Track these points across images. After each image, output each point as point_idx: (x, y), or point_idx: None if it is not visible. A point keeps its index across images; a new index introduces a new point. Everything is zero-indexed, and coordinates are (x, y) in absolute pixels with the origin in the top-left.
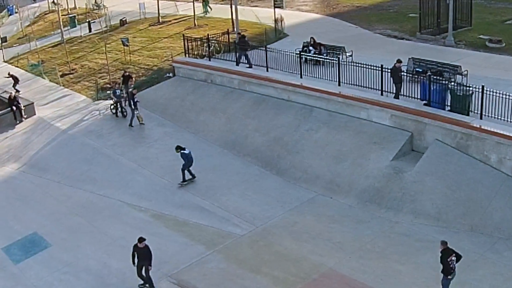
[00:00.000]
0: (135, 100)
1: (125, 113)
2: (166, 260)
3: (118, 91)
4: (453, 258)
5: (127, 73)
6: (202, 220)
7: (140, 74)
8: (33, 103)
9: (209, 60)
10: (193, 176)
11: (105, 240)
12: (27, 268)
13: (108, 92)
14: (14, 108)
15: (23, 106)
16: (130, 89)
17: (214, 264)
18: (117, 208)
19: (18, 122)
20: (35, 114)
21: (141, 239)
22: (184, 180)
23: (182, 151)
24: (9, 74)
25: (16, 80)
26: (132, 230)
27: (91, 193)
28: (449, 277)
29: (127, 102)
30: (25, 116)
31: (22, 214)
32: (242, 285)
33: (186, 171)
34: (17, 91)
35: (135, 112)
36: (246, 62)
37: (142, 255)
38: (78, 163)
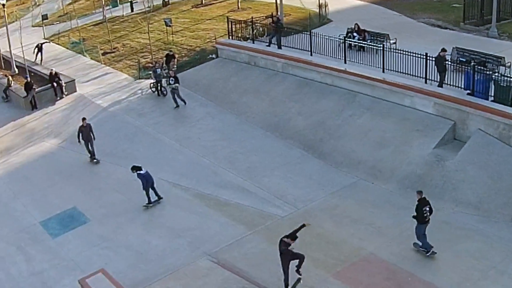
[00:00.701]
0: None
1: (164, 92)
2: (206, 239)
3: (158, 70)
4: (427, 208)
5: (171, 53)
6: (243, 201)
7: (183, 54)
8: (74, 80)
9: (253, 42)
10: (159, 197)
11: (145, 217)
12: (65, 242)
13: (150, 72)
14: (55, 84)
15: (64, 83)
16: (172, 70)
17: (255, 244)
18: (158, 186)
19: (58, 98)
20: (75, 91)
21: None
22: (149, 202)
23: (138, 172)
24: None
25: (40, 50)
26: (173, 209)
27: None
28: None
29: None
30: (65, 93)
31: (61, 189)
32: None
33: (151, 191)
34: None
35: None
36: (275, 43)
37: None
38: (119, 141)
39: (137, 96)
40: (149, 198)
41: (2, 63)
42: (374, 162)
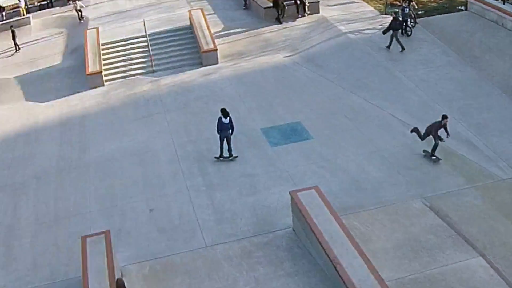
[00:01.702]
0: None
1: (409, 33)
2: (424, 182)
3: (406, 9)
4: None
5: None
6: (468, 154)
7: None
8: (318, 1)
9: (504, 3)
10: (231, 155)
11: (369, 147)
12: (283, 153)
13: (396, 9)
14: (298, 2)
15: (308, 2)
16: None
17: (470, 198)
18: (388, 120)
19: (300, 16)
20: (318, 13)
21: None
22: (220, 155)
23: (220, 116)
24: None
25: None
26: (398, 145)
27: (363, 100)
28: None
29: (412, 22)
30: (308, 12)
31: (289, 102)
32: (492, 226)
33: (225, 146)
34: None
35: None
36: None
37: None
38: (355, 69)
39: (380, 30)
40: (221, 150)
41: None
42: None
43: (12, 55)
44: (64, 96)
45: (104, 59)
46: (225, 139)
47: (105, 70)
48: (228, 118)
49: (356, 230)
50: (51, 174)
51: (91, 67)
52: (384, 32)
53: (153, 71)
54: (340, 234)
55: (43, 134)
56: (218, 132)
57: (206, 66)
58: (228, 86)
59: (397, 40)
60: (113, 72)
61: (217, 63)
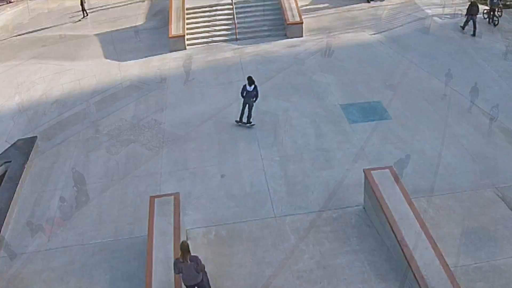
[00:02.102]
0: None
1: (495, 22)
2: (498, 172)
3: None
4: None
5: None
6: None
7: None
8: None
9: None
10: (248, 122)
11: (446, 133)
12: (360, 131)
13: None
14: None
15: None
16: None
17: None
18: (467, 108)
19: None
20: None
21: None
22: (240, 119)
23: (245, 83)
24: None
25: None
26: (476, 133)
27: (445, 85)
28: None
29: (499, 11)
30: None
31: (370, 80)
32: None
33: (246, 111)
34: None
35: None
36: None
37: None
38: (438, 53)
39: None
40: (240, 115)
41: None
42: None
43: (79, 20)
44: (144, 57)
45: (187, 23)
46: (247, 106)
47: (188, 34)
48: (252, 86)
49: (426, 214)
50: (124, 133)
51: (174, 30)
52: (463, 27)
53: (237, 39)
54: (410, 216)
55: (120, 92)
56: (243, 102)
57: (290, 38)
58: (311, 60)
59: (465, 23)
60: (196, 37)
61: (301, 36)
